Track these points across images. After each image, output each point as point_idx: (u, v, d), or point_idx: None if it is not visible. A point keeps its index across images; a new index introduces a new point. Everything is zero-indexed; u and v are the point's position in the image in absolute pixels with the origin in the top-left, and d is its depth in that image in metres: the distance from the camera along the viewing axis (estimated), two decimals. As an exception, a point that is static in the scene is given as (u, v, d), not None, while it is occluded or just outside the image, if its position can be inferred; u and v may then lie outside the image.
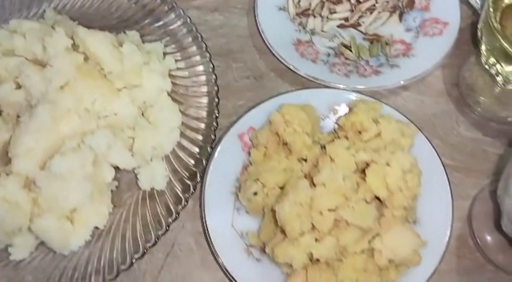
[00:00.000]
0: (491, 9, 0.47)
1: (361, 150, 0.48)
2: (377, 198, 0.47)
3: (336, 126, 0.55)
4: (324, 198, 0.45)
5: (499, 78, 0.50)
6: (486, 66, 0.51)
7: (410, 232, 0.45)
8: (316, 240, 0.45)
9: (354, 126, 0.51)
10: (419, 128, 0.53)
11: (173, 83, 0.58)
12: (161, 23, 0.61)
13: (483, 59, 0.50)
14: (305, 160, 0.51)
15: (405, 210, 0.46)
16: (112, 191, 0.53)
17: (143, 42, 0.60)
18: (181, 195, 0.50)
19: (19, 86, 0.53)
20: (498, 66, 0.49)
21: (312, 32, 0.62)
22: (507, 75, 0.48)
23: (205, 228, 0.49)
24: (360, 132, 0.51)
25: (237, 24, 0.65)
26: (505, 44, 0.45)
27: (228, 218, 0.50)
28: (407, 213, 0.47)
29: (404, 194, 0.46)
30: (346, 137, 0.52)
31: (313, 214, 0.45)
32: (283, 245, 0.44)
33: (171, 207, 0.50)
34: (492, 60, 0.50)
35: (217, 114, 0.54)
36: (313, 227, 0.45)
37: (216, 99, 0.55)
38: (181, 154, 0.54)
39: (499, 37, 0.46)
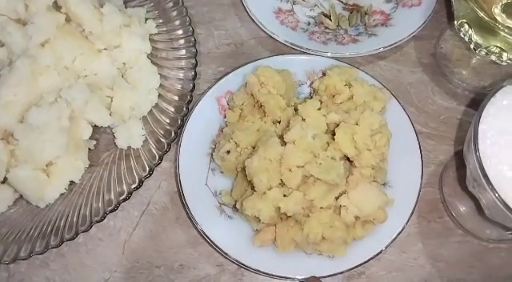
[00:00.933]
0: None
1: (333, 111, 0.49)
2: (347, 158, 0.48)
3: (312, 90, 0.55)
4: (293, 154, 0.46)
5: (472, 46, 0.51)
6: (461, 34, 0.52)
7: (376, 190, 0.46)
8: (285, 195, 0.46)
9: (328, 89, 0.52)
10: (392, 94, 0.53)
11: (154, 47, 0.59)
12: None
13: (456, 25, 0.51)
14: (279, 122, 0.51)
15: (373, 170, 0.47)
16: (90, 149, 0.54)
17: (126, 7, 0.61)
18: (155, 153, 0.51)
19: (2, 45, 0.54)
20: (470, 32, 0.50)
21: (294, 2, 0.63)
22: (478, 41, 0.49)
23: (179, 187, 0.50)
24: (334, 96, 0.52)
25: (220, -7, 0.66)
26: (475, 8, 0.46)
27: (202, 178, 0.51)
28: (375, 172, 0.48)
29: (372, 153, 0.47)
30: (320, 101, 0.52)
31: (283, 170, 0.46)
32: (252, 198, 0.45)
33: (146, 164, 0.51)
34: (465, 27, 0.50)
35: (193, 76, 0.55)
36: (282, 183, 0.46)
37: (194, 61, 0.55)
38: (158, 114, 0.55)
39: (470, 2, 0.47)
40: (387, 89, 0.54)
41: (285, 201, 0.45)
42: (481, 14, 0.46)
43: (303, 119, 0.48)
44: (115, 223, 0.53)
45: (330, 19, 0.61)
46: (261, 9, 0.61)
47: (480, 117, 0.40)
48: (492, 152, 0.39)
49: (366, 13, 0.61)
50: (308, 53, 0.57)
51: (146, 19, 0.60)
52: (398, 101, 0.53)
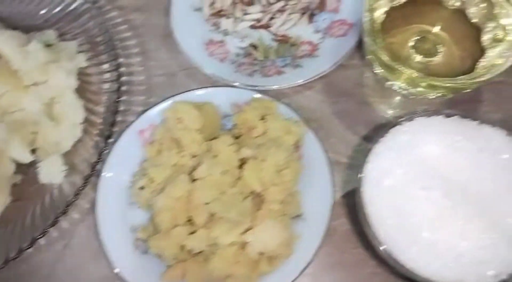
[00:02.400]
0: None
1: (245, 146, 0.50)
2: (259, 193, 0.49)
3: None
4: (200, 191, 0.47)
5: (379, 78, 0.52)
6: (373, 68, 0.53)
7: (280, 225, 0.47)
8: (193, 232, 0.47)
9: (245, 123, 0.53)
10: (310, 127, 0.54)
11: (86, 81, 0.60)
12: (77, 23, 0.63)
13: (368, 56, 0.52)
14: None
15: (281, 204, 0.48)
16: (16, 184, 0.55)
17: (62, 40, 0.62)
18: (70, 190, 0.52)
19: None
20: (377, 67, 0.51)
21: (225, 33, 0.64)
22: (384, 75, 0.50)
23: (96, 222, 0.51)
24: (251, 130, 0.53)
25: (157, 24, 0.67)
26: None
27: (120, 212, 0.52)
28: (285, 207, 0.49)
29: (279, 188, 0.47)
30: (239, 136, 0.53)
31: (191, 207, 0.47)
32: (156, 237, 0.46)
33: (60, 201, 0.52)
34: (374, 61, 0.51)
35: (115, 110, 0.56)
36: (191, 220, 0.47)
37: (116, 96, 0.56)
38: (81, 149, 0.56)
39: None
40: (303, 122, 0.55)
41: (190, 239, 0.46)
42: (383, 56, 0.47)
43: (215, 155, 0.49)
44: (40, 255, 0.54)
45: (257, 51, 0.62)
46: (191, 40, 0.62)
47: (369, 157, 0.41)
48: (376, 193, 0.39)
49: (293, 45, 0.62)
50: (233, 86, 0.58)
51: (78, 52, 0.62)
52: (313, 133, 0.54)
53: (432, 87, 0.44)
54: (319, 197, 0.51)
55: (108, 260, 0.50)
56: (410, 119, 0.43)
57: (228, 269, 0.46)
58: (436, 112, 0.43)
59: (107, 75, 0.59)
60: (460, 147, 0.39)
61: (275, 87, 0.58)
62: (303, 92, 0.61)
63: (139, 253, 0.50)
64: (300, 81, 0.58)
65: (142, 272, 0.49)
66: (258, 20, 0.64)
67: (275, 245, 0.46)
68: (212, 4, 0.65)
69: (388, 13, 0.52)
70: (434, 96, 0.49)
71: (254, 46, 0.62)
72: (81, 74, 0.61)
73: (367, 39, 0.49)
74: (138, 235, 0.51)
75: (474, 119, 0.43)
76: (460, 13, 0.52)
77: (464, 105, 0.59)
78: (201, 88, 0.59)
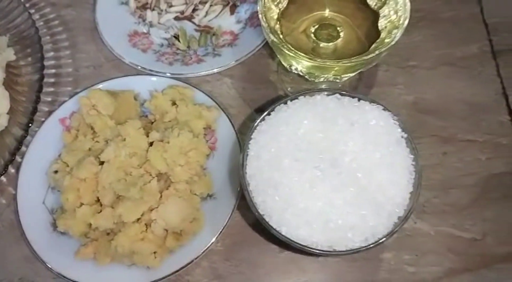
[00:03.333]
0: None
1: (154, 130, 0.52)
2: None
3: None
4: (106, 173, 0.49)
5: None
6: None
7: (184, 203, 0.49)
8: (100, 211, 0.49)
9: (157, 109, 0.55)
10: (223, 110, 0.57)
11: (15, 73, 0.62)
12: (6, 19, 0.65)
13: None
14: (112, 141, 0.55)
15: (188, 184, 0.51)
16: None
17: (-8, 36, 0.65)
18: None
19: None
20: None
21: (151, 25, 0.66)
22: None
23: (16, 206, 0.53)
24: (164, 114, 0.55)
25: (86, 18, 0.69)
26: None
27: (40, 196, 0.54)
28: (192, 186, 0.51)
29: (183, 168, 0.50)
30: (154, 120, 0.56)
31: (99, 187, 0.49)
32: (63, 216, 0.49)
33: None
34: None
35: (37, 100, 0.58)
36: (98, 200, 0.49)
37: (37, 86, 0.58)
38: (6, 137, 0.58)
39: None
40: (219, 106, 0.57)
41: (96, 217, 0.48)
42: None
43: (123, 139, 0.51)
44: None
45: (179, 41, 0.64)
46: (115, 32, 0.64)
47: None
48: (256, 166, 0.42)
49: (214, 34, 0.65)
50: (152, 74, 0.61)
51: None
52: (228, 117, 0.57)
53: (320, 69, 0.47)
54: (230, 177, 0.54)
55: (28, 241, 0.52)
56: (294, 98, 0.45)
57: (132, 246, 0.48)
58: (318, 91, 0.46)
59: (30, 68, 0.61)
60: (335, 122, 0.42)
61: (192, 75, 0.60)
62: (223, 80, 0.63)
63: (57, 234, 0.53)
64: (216, 69, 0.60)
65: (58, 251, 0.51)
66: (182, 12, 0.66)
67: (178, 222, 0.48)
68: (137, -3, 0.67)
69: (290, 2, 0.55)
70: (331, 79, 0.51)
71: (176, 37, 0.65)
72: (9, 66, 0.63)
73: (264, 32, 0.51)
74: (54, 216, 0.53)
75: (354, 97, 0.46)
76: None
77: (379, 88, 0.63)
78: (121, 77, 0.61)
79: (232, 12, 0.67)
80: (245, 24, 0.65)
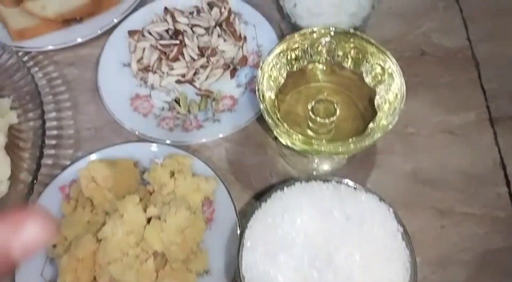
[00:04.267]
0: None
1: (152, 204, 0.53)
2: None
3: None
4: (103, 252, 0.49)
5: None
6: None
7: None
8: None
9: (157, 180, 0.56)
10: (222, 182, 0.57)
11: (18, 137, 0.63)
12: (9, 80, 0.66)
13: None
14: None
15: (184, 263, 0.51)
16: None
17: (-3, 97, 0.66)
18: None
19: None
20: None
21: (152, 87, 0.67)
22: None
23: (13, 279, 0.54)
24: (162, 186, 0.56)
25: (89, 78, 0.70)
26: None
27: (38, 268, 0.55)
28: (188, 264, 0.51)
29: (180, 247, 0.50)
30: (153, 191, 0.56)
31: (96, 267, 0.49)
32: (61, 295, 0.49)
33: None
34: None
35: (36, 168, 0.58)
36: (95, 278, 0.50)
37: (38, 153, 0.59)
38: (7, 203, 0.58)
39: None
40: (218, 176, 0.58)
41: (91, 298, 0.48)
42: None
43: (121, 215, 0.52)
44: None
45: (180, 105, 0.65)
46: (117, 95, 0.65)
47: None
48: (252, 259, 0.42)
49: (214, 99, 0.65)
50: (153, 142, 0.61)
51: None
52: (226, 189, 0.57)
53: (316, 151, 0.47)
54: (226, 251, 0.54)
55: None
56: (290, 184, 0.46)
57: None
58: (314, 178, 0.46)
59: (32, 133, 0.61)
60: (330, 214, 0.42)
61: (188, 142, 0.61)
62: (223, 145, 0.64)
63: (53, 307, 0.53)
64: (216, 137, 0.61)
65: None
66: (183, 75, 0.67)
67: (174, 303, 0.49)
68: (140, 60, 0.68)
69: (288, 75, 0.55)
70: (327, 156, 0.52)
71: (177, 101, 0.66)
72: (11, 128, 0.64)
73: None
74: (51, 291, 0.53)
75: (350, 185, 0.46)
76: (358, 76, 0.55)
77: (377, 155, 0.63)
78: (122, 143, 0.62)
79: (232, 76, 0.67)
80: (245, 89, 0.66)
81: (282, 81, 0.55)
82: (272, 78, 0.54)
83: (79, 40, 0.70)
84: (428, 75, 0.68)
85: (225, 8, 0.71)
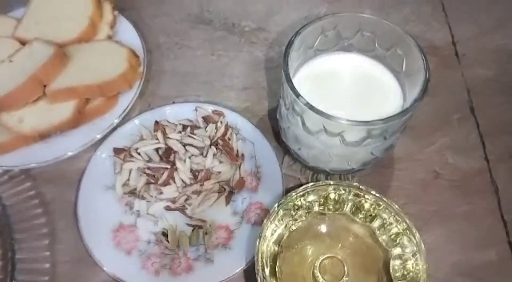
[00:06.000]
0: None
1: None
2: None
3: None
4: None
5: None
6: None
7: None
8: None
9: None
10: None
11: None
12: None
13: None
14: None
15: None
16: None
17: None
18: None
19: None
20: None
21: (138, 214, 0.61)
22: None
23: None
24: None
25: (68, 200, 0.63)
26: None
27: None
28: None
29: None
30: None
31: None
32: None
33: None
34: None
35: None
36: None
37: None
38: None
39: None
40: None
41: None
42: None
43: None
44: None
45: (167, 240, 0.58)
46: (97, 227, 0.59)
47: None
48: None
49: (206, 233, 0.59)
50: (136, 289, 0.54)
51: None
52: None
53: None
54: None
55: None
56: None
57: None
58: None
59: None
60: None
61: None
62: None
63: None
64: (209, 286, 0.54)
65: None
66: (173, 201, 0.61)
67: None
68: (125, 183, 0.62)
69: (292, 231, 0.49)
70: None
71: (165, 234, 0.59)
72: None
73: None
74: None
75: None
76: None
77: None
78: (102, 289, 0.55)
79: (227, 202, 0.61)
80: (242, 218, 0.60)
81: (285, 237, 0.48)
82: (273, 239, 0.48)
83: (59, 156, 0.63)
84: (444, 202, 0.62)
85: (221, 122, 0.65)
